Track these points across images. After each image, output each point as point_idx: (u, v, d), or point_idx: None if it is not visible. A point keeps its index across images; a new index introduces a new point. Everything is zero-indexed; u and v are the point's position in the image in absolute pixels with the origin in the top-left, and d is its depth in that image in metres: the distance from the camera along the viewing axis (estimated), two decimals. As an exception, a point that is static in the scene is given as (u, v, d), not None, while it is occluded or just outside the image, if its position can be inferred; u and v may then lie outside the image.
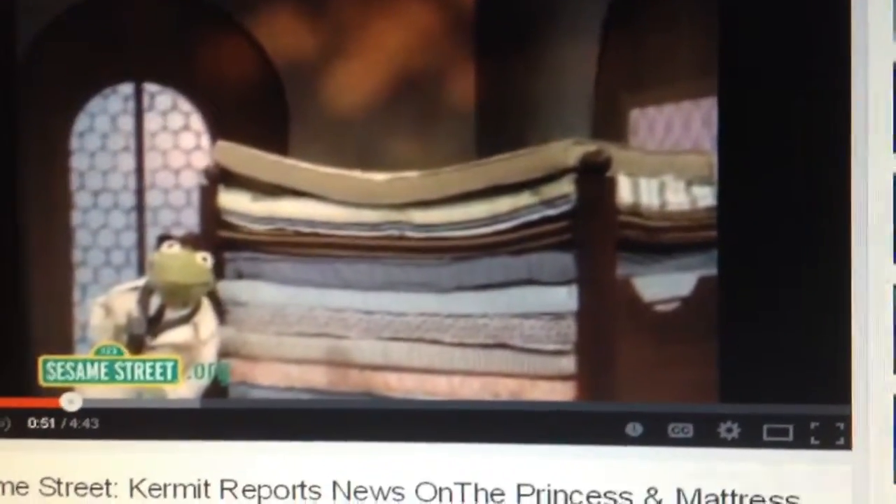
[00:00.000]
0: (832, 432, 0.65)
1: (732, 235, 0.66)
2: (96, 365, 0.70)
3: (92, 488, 0.69)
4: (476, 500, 0.67)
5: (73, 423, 0.69)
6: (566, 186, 0.68)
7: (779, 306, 0.65)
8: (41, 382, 0.70)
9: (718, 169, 0.66)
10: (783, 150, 0.65)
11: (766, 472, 0.66)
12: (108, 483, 0.69)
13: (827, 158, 0.65)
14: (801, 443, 0.65)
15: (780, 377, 0.65)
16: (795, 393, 0.65)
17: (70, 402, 0.70)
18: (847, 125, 0.65)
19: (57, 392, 0.70)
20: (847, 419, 0.65)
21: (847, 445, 0.65)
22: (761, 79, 0.65)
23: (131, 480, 0.69)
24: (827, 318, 0.65)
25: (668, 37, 0.66)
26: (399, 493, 0.68)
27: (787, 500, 0.66)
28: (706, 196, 0.66)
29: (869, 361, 0.65)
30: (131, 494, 0.69)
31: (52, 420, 0.70)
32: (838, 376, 0.65)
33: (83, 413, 0.69)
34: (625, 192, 0.68)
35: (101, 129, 0.71)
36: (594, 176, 0.67)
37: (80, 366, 0.70)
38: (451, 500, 0.68)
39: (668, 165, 0.67)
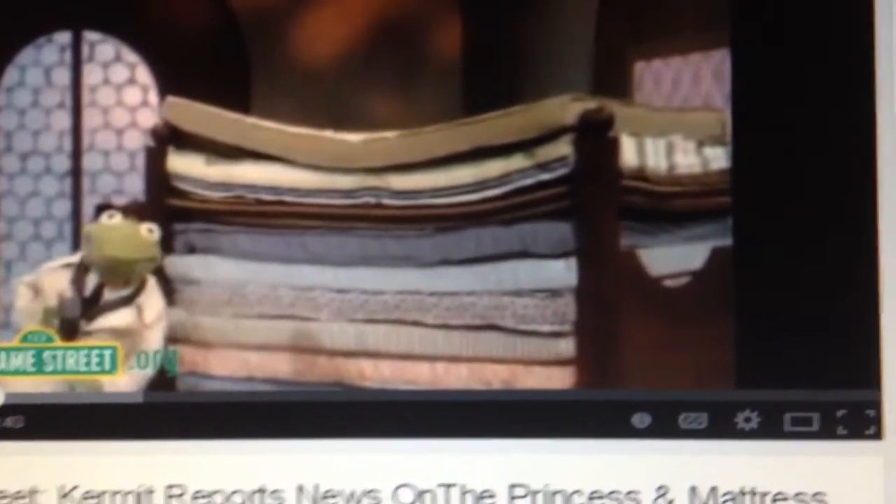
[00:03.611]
0: (861, 420, 0.63)
1: (749, 201, 0.64)
2: (22, 354, 0.67)
3: (15, 497, 0.65)
4: None
5: (-6, 423, 0.67)
6: (563, 147, 0.67)
7: (800, 280, 0.63)
8: (-44, 375, 0.67)
9: (732, 127, 0.64)
10: (803, 106, 0.63)
11: (789, 465, 0.63)
12: (33, 491, 0.65)
13: (852, 115, 0.63)
14: (827, 433, 0.63)
15: (802, 360, 0.63)
16: (820, 377, 0.63)
17: (-10, 398, 0.67)
18: (872, 77, 0.62)
19: (-25, 386, 0.67)
20: (878, 405, 0.63)
21: (878, 435, 0.63)
22: (778, 27, 0.63)
23: (61, 487, 0.65)
24: (854, 293, 0.63)
25: (676, -19, 0.67)
26: (374, 498, 0.64)
27: (813, 496, 0.63)
28: (719, 157, 0.65)
29: (901, 340, 0.63)
30: (61, 504, 0.65)
31: (-31, 419, 0.67)
32: (867, 357, 0.63)
33: (6, 410, 0.66)
34: (629, 153, 0.67)
35: (33, 83, 0.70)
36: (595, 135, 0.67)
37: (2, 355, 0.67)
38: (433, 504, 0.65)
39: (677, 124, 0.67)
